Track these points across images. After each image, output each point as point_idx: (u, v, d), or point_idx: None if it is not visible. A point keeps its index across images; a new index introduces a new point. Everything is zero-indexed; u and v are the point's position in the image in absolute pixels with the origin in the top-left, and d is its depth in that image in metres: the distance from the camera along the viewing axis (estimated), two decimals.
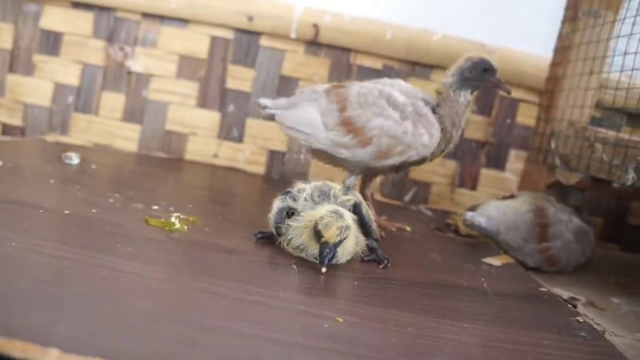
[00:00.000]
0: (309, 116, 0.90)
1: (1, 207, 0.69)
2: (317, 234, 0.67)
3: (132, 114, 1.28)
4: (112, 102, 1.28)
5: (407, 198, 1.33)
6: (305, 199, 0.75)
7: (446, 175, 1.32)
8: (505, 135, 1.31)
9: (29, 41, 1.28)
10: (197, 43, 1.28)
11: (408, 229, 0.98)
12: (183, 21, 1.27)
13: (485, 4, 1.29)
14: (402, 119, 0.87)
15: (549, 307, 0.71)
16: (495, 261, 0.88)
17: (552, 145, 1.15)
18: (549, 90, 1.19)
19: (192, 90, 1.29)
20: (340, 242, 0.67)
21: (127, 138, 1.28)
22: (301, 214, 0.73)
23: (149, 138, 1.29)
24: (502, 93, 1.12)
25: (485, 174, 1.32)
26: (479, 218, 0.98)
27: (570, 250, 0.98)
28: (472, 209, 1.03)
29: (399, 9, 1.28)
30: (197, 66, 1.29)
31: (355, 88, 0.90)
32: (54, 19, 1.27)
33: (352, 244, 0.70)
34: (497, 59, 1.23)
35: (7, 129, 1.29)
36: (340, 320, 0.53)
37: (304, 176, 1.31)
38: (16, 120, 1.29)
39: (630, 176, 0.90)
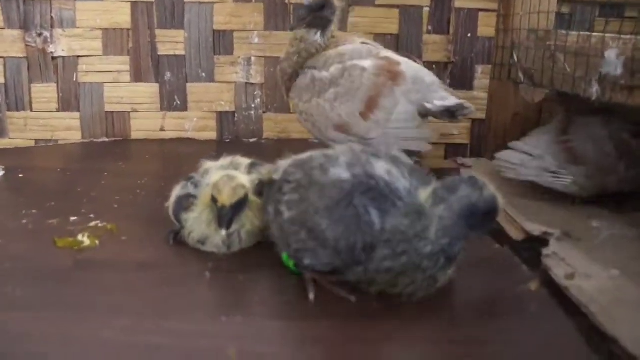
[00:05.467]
0: None
1: None
2: (213, 201, 0.62)
3: (68, 102, 1.20)
4: (44, 93, 1.20)
5: None
6: (208, 184, 0.69)
7: None
8: (468, 52, 1.19)
9: None
10: (117, 13, 1.17)
11: None
12: None
13: None
14: None
15: (498, 275, 0.63)
16: None
17: (515, 58, 1.04)
18: None
19: (123, 65, 1.19)
20: (239, 203, 0.61)
21: (68, 128, 1.21)
22: (196, 202, 0.66)
23: (90, 124, 1.21)
24: None
25: None
26: None
27: (599, 149, 0.87)
28: None
29: None
30: (123, 38, 1.19)
31: None
32: None
33: (254, 219, 0.64)
34: None
35: None
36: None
37: (258, 133, 1.23)
38: None
39: (594, 89, 0.80)
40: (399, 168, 0.58)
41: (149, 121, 1.21)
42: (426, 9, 1.18)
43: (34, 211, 0.79)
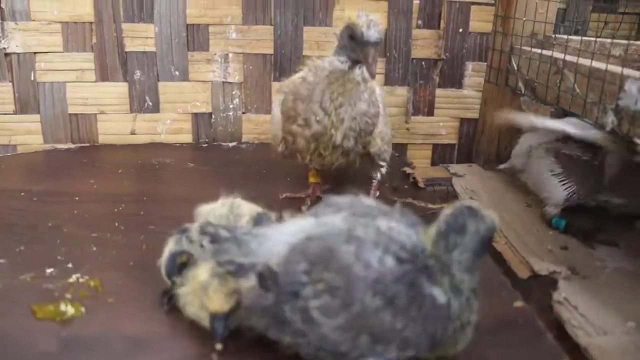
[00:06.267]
0: None
1: None
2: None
3: (26, 104, 1.09)
4: None
5: None
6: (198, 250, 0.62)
7: (397, 105, 1.15)
8: (458, 48, 1.13)
9: None
10: (78, 4, 1.05)
11: None
12: None
13: None
14: None
15: (522, 345, 0.59)
16: None
17: (514, 64, 0.99)
18: None
19: (87, 63, 1.08)
20: (233, 310, 0.55)
21: (28, 132, 1.10)
22: (189, 273, 0.60)
23: (52, 127, 1.10)
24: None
25: (442, 94, 1.15)
26: None
27: None
28: None
29: None
30: (86, 32, 1.07)
31: None
32: None
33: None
34: None
35: None
36: None
37: (237, 136, 1.15)
38: None
39: (610, 119, 0.75)
40: (396, 220, 0.54)
41: (117, 124, 1.12)
42: (416, 2, 1.10)
43: (1, 261, 0.71)
